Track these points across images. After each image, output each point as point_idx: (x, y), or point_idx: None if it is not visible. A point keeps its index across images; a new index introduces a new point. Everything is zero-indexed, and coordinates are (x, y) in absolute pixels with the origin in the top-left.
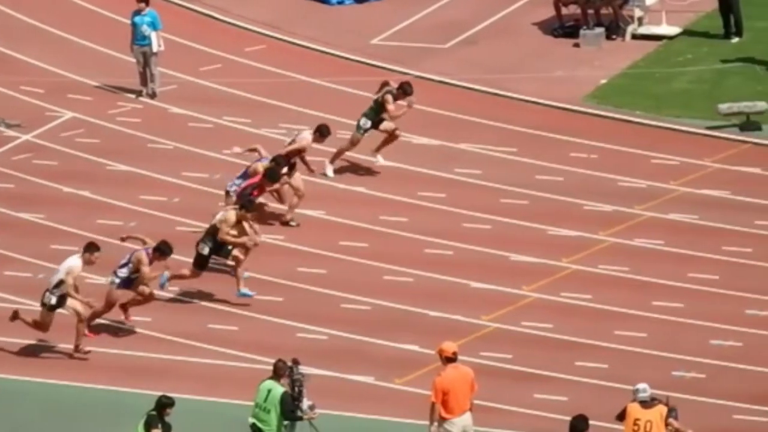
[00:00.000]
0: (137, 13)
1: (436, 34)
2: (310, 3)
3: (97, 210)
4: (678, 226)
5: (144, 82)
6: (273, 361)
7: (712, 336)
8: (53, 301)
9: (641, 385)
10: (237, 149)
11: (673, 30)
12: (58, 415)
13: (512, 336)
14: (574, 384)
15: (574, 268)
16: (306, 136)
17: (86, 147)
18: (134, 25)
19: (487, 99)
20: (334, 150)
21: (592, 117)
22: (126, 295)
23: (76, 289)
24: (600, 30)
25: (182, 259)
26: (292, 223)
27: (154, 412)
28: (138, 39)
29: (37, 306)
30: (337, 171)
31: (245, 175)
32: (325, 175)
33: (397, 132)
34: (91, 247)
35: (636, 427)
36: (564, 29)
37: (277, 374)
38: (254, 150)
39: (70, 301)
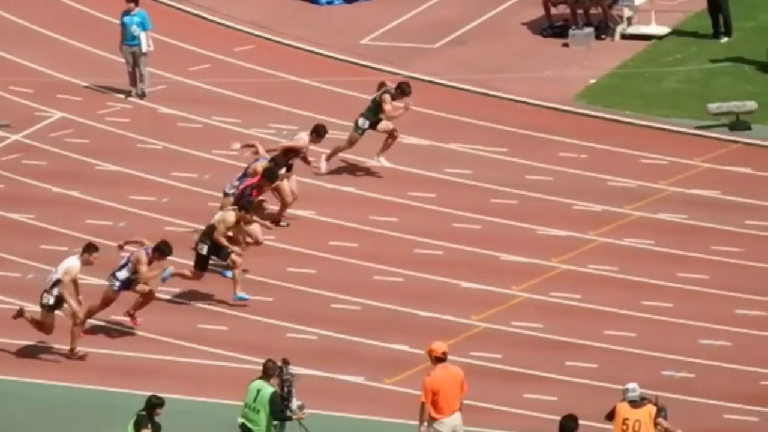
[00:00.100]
0: (126, 13)
1: (425, 34)
2: (299, 3)
3: (87, 210)
4: (668, 225)
5: (133, 82)
6: (263, 361)
7: (702, 336)
8: (51, 301)
9: (631, 385)
10: (236, 145)
11: (662, 30)
12: (47, 415)
13: (502, 336)
14: (564, 384)
15: (563, 267)
16: (303, 137)
17: (75, 147)
18: (123, 25)
19: (476, 99)
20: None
21: (581, 117)
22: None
23: (76, 289)
24: (589, 30)
25: (175, 260)
26: (282, 224)
27: (144, 412)
28: (127, 39)
29: (27, 306)
30: (326, 171)
31: (245, 176)
32: (318, 168)
33: (396, 132)
34: (90, 248)
35: (625, 427)
36: (553, 29)
37: (266, 374)
38: (252, 146)
39: (65, 304)
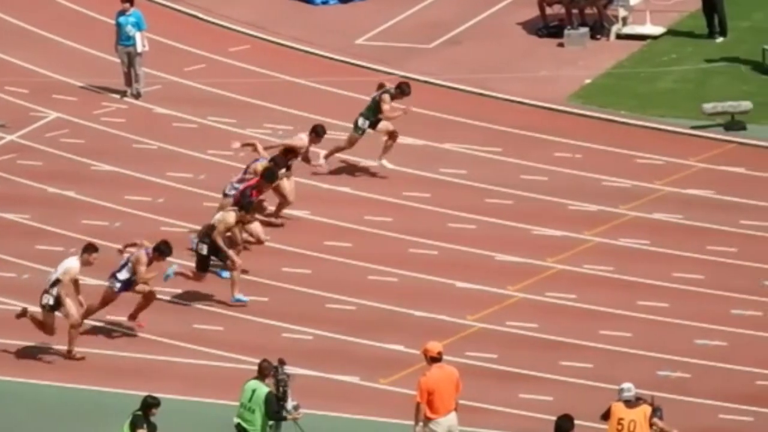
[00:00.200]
0: (122, 13)
1: (420, 34)
2: (294, 3)
3: (82, 210)
4: (663, 225)
5: (128, 82)
6: (258, 361)
7: (698, 336)
8: (51, 301)
9: (626, 385)
10: (236, 144)
11: (657, 30)
12: (43, 415)
13: (497, 336)
14: (560, 384)
15: (559, 267)
16: (301, 137)
17: (71, 147)
18: (119, 25)
19: (471, 99)
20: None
21: (576, 117)
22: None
23: (77, 290)
24: (584, 30)
25: (173, 260)
26: (276, 221)
27: (139, 412)
28: (122, 39)
29: (18, 306)
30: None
31: (244, 176)
32: (320, 166)
33: (397, 133)
34: (89, 248)
35: (620, 427)
36: (548, 29)
37: (262, 374)
38: (251, 145)
39: (63, 306)
